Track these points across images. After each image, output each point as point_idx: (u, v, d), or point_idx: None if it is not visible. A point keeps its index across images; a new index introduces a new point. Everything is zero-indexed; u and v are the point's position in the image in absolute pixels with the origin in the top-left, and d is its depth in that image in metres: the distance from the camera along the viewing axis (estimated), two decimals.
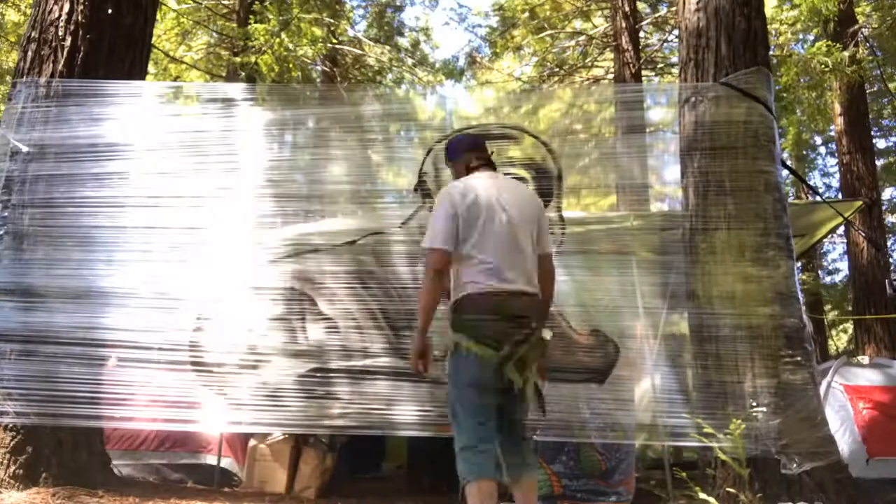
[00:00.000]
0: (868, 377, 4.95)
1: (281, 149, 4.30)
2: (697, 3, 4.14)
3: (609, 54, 11.37)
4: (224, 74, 10.55)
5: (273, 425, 4.02)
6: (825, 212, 5.32)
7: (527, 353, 2.50)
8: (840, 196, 10.42)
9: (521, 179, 4.05)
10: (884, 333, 8.59)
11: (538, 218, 2.78)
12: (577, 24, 12.41)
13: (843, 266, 16.20)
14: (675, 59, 11.59)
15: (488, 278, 2.56)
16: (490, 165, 2.89)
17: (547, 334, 2.60)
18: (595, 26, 12.26)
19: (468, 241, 2.60)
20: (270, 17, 8.75)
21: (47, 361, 3.50)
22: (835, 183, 16.24)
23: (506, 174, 4.01)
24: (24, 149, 3.76)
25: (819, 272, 16.79)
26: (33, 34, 4.06)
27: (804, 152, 15.51)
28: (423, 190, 4.10)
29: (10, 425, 3.47)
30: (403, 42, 13.43)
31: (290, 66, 9.39)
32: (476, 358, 2.51)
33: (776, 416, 3.29)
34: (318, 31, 9.49)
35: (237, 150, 4.00)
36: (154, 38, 6.96)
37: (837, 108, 9.74)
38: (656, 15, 11.81)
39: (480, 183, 2.74)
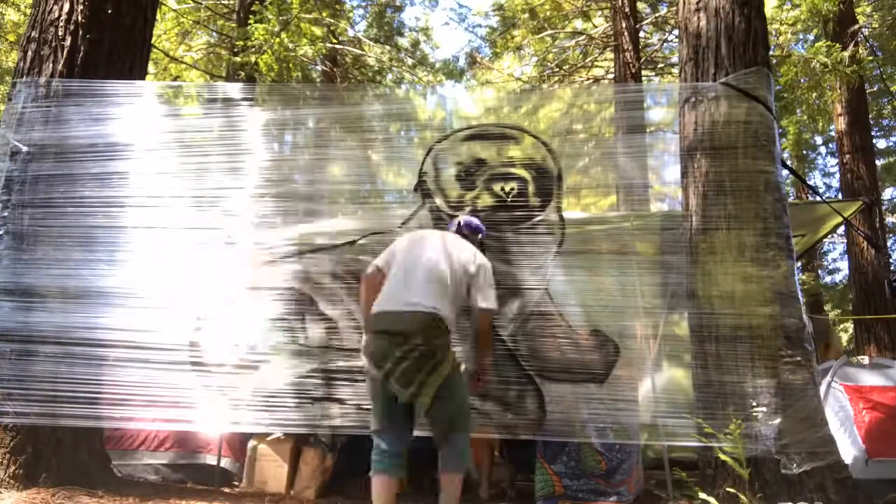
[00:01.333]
0: (868, 377, 4.94)
1: (281, 149, 4.30)
2: (697, 3, 4.14)
3: (609, 54, 11.37)
4: (224, 74, 10.55)
5: (273, 425, 4.01)
6: (825, 212, 5.32)
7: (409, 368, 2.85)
8: (840, 196, 10.42)
9: (521, 179, 4.05)
10: (884, 333, 8.59)
11: (468, 272, 3.16)
12: (578, 24, 12.41)
13: (843, 266, 16.23)
14: (675, 59, 11.59)
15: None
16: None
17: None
18: (595, 26, 12.26)
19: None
20: (270, 17, 8.74)
21: (47, 361, 3.50)
22: (835, 183, 16.27)
23: (506, 174, 4.02)
24: (24, 149, 3.76)
25: (819, 272, 16.79)
26: (33, 34, 4.05)
27: (804, 152, 15.51)
28: (423, 190, 4.10)
29: (10, 425, 3.47)
30: (403, 42, 13.44)
31: (290, 66, 9.39)
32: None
33: (776, 416, 3.29)
34: (317, 31, 9.49)
35: (237, 150, 4.00)
36: (154, 38, 6.97)
37: (837, 108, 9.74)
38: (656, 15, 11.80)
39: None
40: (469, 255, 3.22)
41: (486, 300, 3.13)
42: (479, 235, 3.60)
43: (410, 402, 2.91)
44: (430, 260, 3.11)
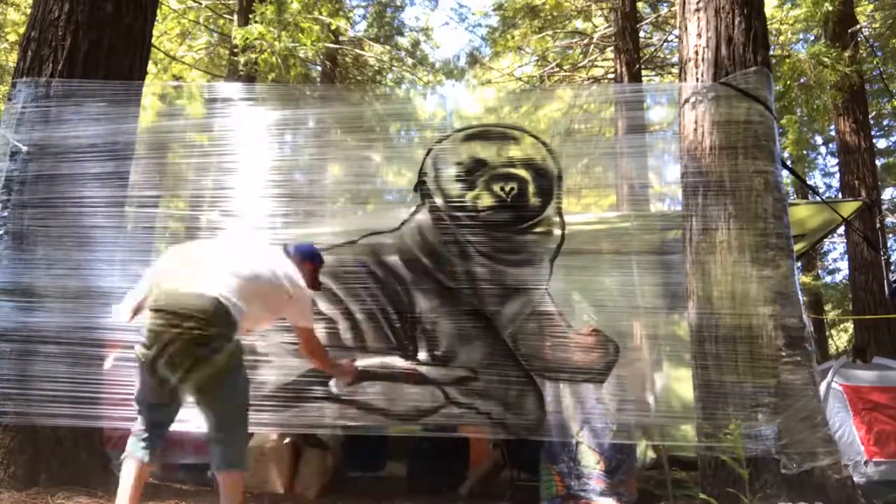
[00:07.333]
0: (868, 377, 4.95)
1: (281, 149, 4.30)
2: (697, 3, 4.14)
3: (609, 54, 11.37)
4: (224, 74, 10.55)
5: (273, 425, 4.01)
6: (825, 212, 5.32)
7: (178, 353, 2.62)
8: (840, 196, 10.42)
9: (521, 179, 4.05)
10: (884, 333, 8.59)
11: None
12: (578, 23, 12.42)
13: (843, 266, 16.22)
14: (675, 59, 11.58)
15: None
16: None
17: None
18: (595, 26, 12.26)
19: None
20: (270, 16, 8.74)
21: (47, 361, 3.50)
22: (835, 183, 16.26)
23: (506, 174, 4.02)
24: (24, 149, 3.76)
25: (819, 272, 16.80)
26: (33, 34, 4.05)
27: (804, 152, 15.50)
28: (423, 190, 4.10)
29: (10, 425, 3.47)
30: (403, 42, 13.45)
31: (291, 64, 9.39)
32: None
33: (776, 416, 3.29)
34: (315, 28, 9.48)
35: (237, 150, 4.00)
36: (154, 38, 6.97)
37: (838, 107, 9.73)
38: (656, 15, 11.80)
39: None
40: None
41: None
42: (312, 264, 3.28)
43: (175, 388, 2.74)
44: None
